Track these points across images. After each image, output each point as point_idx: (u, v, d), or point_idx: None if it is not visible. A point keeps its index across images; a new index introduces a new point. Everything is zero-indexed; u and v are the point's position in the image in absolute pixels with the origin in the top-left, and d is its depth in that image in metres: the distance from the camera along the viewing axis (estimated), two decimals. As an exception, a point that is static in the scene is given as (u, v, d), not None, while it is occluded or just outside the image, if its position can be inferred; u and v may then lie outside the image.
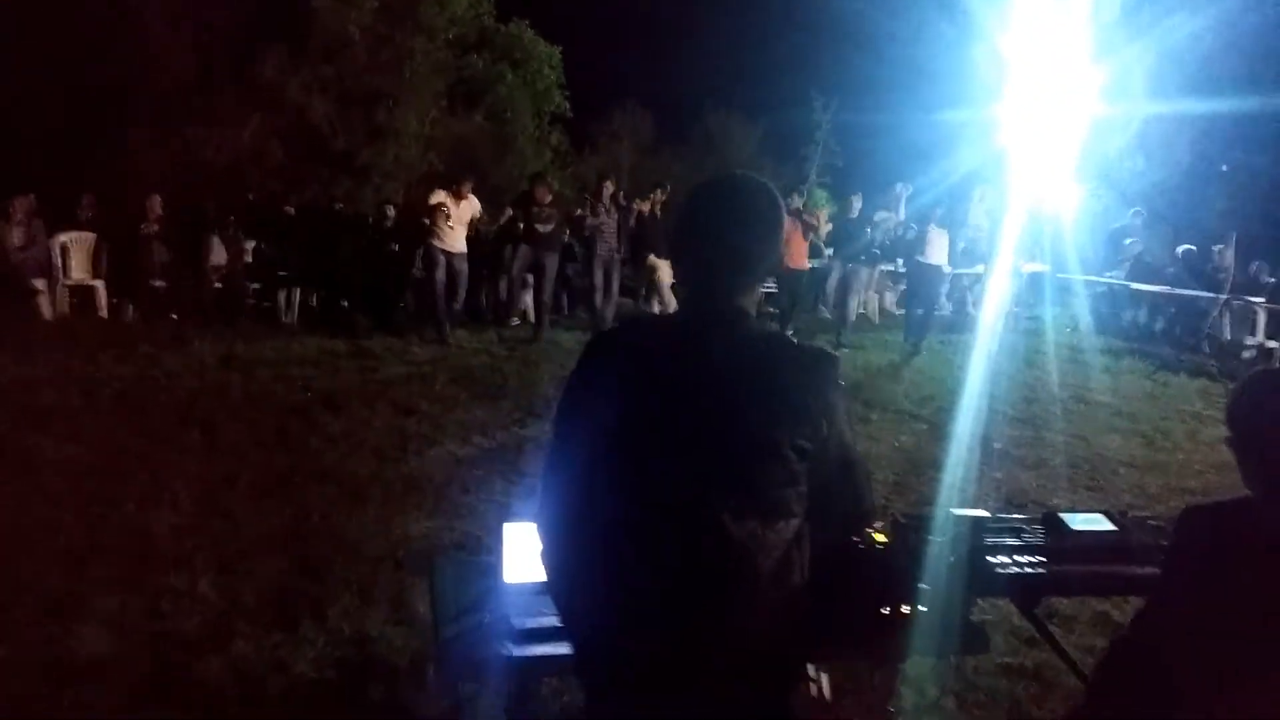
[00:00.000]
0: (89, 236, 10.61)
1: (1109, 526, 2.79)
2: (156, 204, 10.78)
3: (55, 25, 13.50)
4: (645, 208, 12.08)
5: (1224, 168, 17.90)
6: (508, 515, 2.42)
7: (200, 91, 14.70)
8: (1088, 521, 2.81)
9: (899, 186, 13.24)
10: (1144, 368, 10.52)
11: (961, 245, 11.38)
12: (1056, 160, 13.15)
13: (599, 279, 10.54)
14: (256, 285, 10.83)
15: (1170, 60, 14.99)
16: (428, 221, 9.81)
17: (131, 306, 10.45)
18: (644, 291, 11.55)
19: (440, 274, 9.84)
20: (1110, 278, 13.31)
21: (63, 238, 10.39)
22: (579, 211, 11.57)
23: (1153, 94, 15.20)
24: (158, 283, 10.50)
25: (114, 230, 10.70)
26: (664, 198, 12.30)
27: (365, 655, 3.52)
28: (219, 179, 12.04)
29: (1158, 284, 12.76)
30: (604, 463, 1.72)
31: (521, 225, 10.31)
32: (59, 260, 10.28)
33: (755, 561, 1.68)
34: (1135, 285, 13.01)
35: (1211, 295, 11.91)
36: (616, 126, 20.84)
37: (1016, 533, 2.73)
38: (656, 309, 11.19)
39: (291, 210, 11.31)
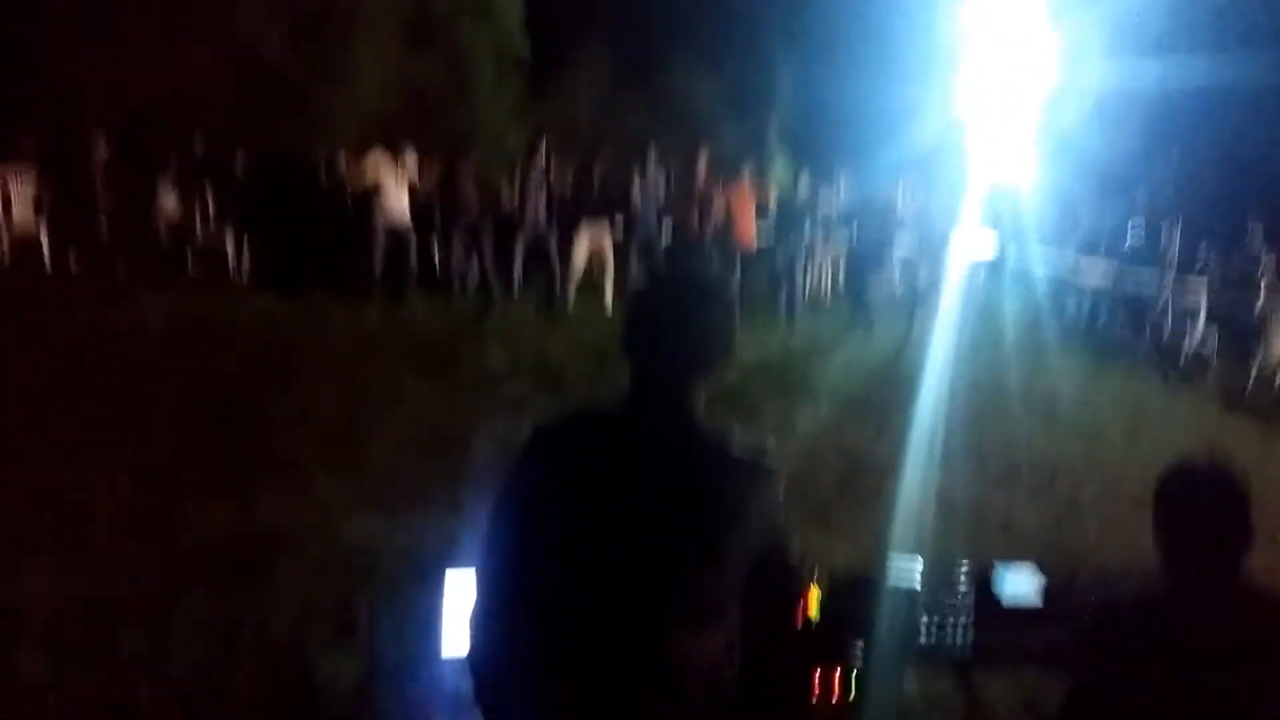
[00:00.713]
0: (31, 172, 10.15)
1: (1035, 594, 2.88)
2: (100, 142, 10.39)
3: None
4: (582, 173, 11.28)
5: (1177, 143, 17.97)
6: (450, 553, 2.41)
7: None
8: (1016, 584, 2.91)
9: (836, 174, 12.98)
10: (1085, 361, 10.49)
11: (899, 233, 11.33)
12: (1014, 131, 13.18)
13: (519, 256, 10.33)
14: (205, 237, 10.60)
15: (1126, 30, 15.02)
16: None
17: (74, 257, 10.14)
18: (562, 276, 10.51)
19: (379, 252, 9.75)
20: (1060, 255, 13.03)
21: (4, 172, 9.95)
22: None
23: (1111, 61, 15.22)
24: (103, 231, 10.17)
25: (55, 166, 10.25)
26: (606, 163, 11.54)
27: (305, 677, 3.54)
28: (163, 115, 11.57)
29: (1105, 261, 12.38)
30: (541, 566, 1.76)
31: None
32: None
33: (686, 669, 1.74)
34: (1083, 263, 12.71)
35: (1154, 280, 11.36)
36: (576, 72, 20.27)
37: (947, 595, 2.81)
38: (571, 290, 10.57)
39: (241, 159, 10.98)
